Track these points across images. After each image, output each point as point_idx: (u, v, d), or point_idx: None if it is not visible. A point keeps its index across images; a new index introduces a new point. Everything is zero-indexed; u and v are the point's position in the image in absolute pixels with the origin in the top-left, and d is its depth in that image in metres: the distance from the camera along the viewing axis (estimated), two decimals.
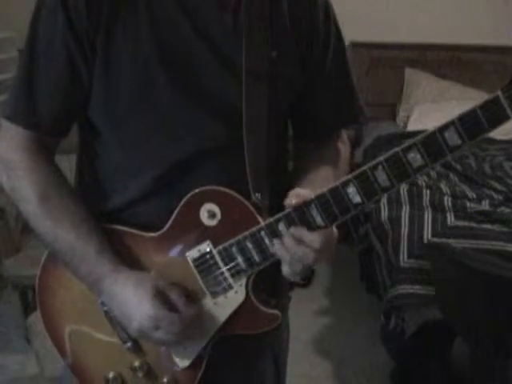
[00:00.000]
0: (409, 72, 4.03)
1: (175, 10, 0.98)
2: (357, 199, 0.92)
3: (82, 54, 0.98)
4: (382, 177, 0.91)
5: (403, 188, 2.71)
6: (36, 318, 2.20)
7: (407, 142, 0.88)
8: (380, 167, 0.90)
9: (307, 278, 3.36)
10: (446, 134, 0.86)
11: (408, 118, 3.84)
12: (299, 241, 0.94)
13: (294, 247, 0.94)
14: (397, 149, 0.89)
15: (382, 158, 0.90)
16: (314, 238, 0.94)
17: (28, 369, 2.57)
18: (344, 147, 1.19)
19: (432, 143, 0.87)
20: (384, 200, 2.66)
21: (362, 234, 2.94)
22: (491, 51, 3.89)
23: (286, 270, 0.98)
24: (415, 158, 0.88)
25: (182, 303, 0.98)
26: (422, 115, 3.68)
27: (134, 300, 0.98)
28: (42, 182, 1.03)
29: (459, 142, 0.86)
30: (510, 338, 1.92)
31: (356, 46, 3.77)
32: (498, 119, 0.84)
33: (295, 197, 0.95)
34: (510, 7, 3.88)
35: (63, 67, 0.99)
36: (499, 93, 0.83)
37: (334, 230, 0.98)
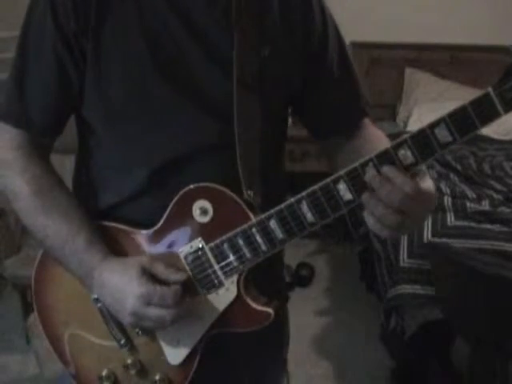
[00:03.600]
0: (409, 72, 4.03)
1: (164, 8, 0.99)
2: (348, 196, 0.91)
3: (71, 56, 0.99)
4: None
5: None
6: (36, 318, 2.21)
7: (398, 139, 0.88)
8: (371, 164, 0.89)
9: (309, 277, 3.37)
10: (437, 131, 0.85)
11: (408, 117, 3.84)
12: (387, 179, 0.88)
13: (378, 185, 0.88)
14: (388, 146, 0.88)
15: (372, 155, 0.89)
16: (405, 181, 0.87)
17: (28, 369, 2.58)
18: (370, 129, 1.16)
19: (422, 140, 0.86)
20: None
21: (362, 233, 2.94)
22: (491, 51, 3.89)
23: (369, 218, 0.91)
24: (406, 154, 0.87)
25: (169, 272, 0.99)
26: (422, 115, 3.68)
27: (122, 283, 0.98)
28: (34, 180, 1.04)
29: (450, 138, 0.85)
30: (510, 337, 1.92)
31: (356, 45, 3.76)
32: (489, 116, 0.83)
33: None
34: (509, 7, 3.88)
35: (52, 69, 1.00)
36: (490, 89, 0.82)
37: (431, 185, 0.93)
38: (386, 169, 0.88)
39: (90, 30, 0.97)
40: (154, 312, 0.97)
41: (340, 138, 1.16)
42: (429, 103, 3.75)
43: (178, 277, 0.99)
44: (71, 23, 0.97)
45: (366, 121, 1.17)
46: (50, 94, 1.03)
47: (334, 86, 1.13)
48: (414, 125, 3.66)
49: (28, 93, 1.03)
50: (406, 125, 3.81)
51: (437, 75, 4.00)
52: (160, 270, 0.99)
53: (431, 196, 0.93)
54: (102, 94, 1.00)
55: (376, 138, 1.14)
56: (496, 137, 3.56)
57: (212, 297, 1.02)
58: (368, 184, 0.89)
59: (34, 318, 2.27)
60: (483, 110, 0.83)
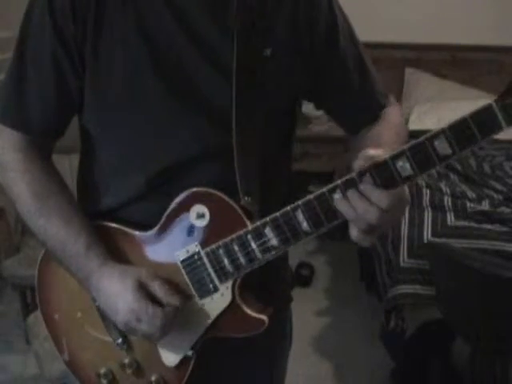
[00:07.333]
0: (409, 72, 4.03)
1: (163, 11, 0.97)
2: None
3: (70, 59, 0.99)
4: None
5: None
6: (35, 318, 2.21)
7: (396, 150, 0.86)
8: (368, 174, 0.87)
9: (309, 277, 3.37)
10: (436, 143, 0.83)
11: (408, 117, 3.84)
12: (363, 196, 0.88)
13: (356, 202, 0.88)
14: (386, 156, 0.86)
15: (370, 165, 0.87)
16: (381, 198, 0.86)
17: (28, 369, 2.58)
18: (390, 115, 1.13)
19: (421, 152, 0.84)
20: None
21: None
22: (490, 51, 3.89)
23: (352, 230, 0.91)
24: (404, 166, 0.85)
25: (164, 294, 0.98)
26: (422, 115, 3.68)
27: (117, 293, 0.99)
28: (35, 182, 1.05)
29: (449, 151, 0.83)
30: (510, 337, 1.92)
31: None
32: (490, 129, 0.81)
33: (365, 159, 0.88)
34: (509, 7, 3.88)
35: (50, 71, 1.00)
36: (492, 102, 0.80)
37: (407, 191, 0.91)
38: (362, 187, 0.87)
39: (89, 32, 0.96)
40: (143, 328, 0.98)
41: (360, 131, 1.14)
42: (429, 103, 3.75)
43: (172, 300, 0.98)
44: (69, 25, 0.96)
45: (384, 113, 1.14)
46: (49, 97, 1.02)
47: (347, 83, 1.10)
48: (414, 125, 3.66)
49: (27, 95, 1.02)
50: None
51: (437, 75, 4.00)
52: (157, 288, 0.99)
53: (404, 200, 0.91)
54: (101, 96, 1.00)
55: (384, 136, 1.10)
56: (496, 136, 3.56)
57: (207, 302, 1.02)
58: (349, 202, 0.88)
59: (33, 318, 2.27)
60: (484, 123, 0.81)
